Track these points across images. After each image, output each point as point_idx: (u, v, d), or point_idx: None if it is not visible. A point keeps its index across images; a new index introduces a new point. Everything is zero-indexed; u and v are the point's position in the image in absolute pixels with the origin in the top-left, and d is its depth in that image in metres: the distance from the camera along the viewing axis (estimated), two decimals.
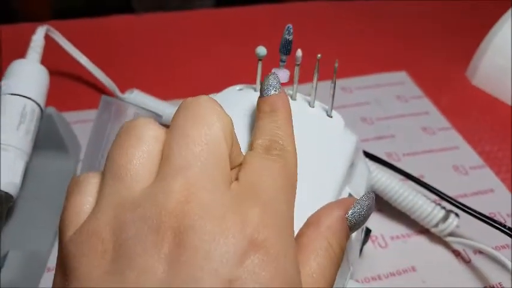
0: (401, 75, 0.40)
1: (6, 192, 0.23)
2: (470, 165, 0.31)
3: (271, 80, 0.17)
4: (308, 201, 0.16)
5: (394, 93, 0.38)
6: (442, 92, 0.38)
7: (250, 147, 0.15)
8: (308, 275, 0.13)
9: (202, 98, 0.13)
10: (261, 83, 0.17)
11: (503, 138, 0.34)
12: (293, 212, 0.14)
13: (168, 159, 0.12)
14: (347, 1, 0.50)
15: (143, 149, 0.12)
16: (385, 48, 0.44)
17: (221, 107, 0.13)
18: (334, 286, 0.18)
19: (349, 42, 0.44)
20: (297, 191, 0.15)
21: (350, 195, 0.19)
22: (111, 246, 0.11)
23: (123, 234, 0.11)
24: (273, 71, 0.21)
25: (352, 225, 0.15)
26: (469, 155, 0.32)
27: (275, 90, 0.16)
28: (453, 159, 0.32)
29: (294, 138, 0.16)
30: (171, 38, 0.44)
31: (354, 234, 0.19)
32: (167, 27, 0.45)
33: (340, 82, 0.38)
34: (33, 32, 0.31)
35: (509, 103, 0.38)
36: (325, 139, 0.19)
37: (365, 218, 0.15)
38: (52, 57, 0.31)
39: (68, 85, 0.37)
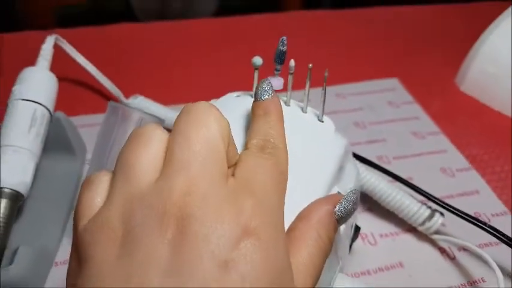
0: (393, 82, 0.41)
1: (17, 191, 0.24)
2: (457, 168, 0.33)
3: (265, 86, 0.18)
4: (299, 199, 0.17)
5: (386, 99, 0.39)
6: (432, 98, 0.40)
7: (245, 146, 0.16)
8: (299, 262, 0.14)
9: (202, 103, 0.15)
10: (256, 89, 0.19)
11: (490, 142, 0.36)
12: (283, 204, 0.15)
13: (171, 159, 0.13)
14: (342, 11, 0.52)
15: (150, 151, 0.14)
16: (377, 56, 0.45)
17: (219, 111, 0.15)
18: (324, 279, 0.19)
19: (343, 50, 0.46)
20: (289, 189, 0.16)
21: (339, 193, 0.21)
22: (121, 233, 0.12)
23: (132, 222, 0.12)
24: (268, 78, 0.22)
25: (340, 219, 0.16)
26: (456, 158, 0.34)
27: (268, 95, 0.18)
28: (441, 162, 0.33)
29: (285, 138, 0.17)
30: (173, 46, 0.45)
31: (342, 230, 0.20)
32: (169, 36, 0.47)
33: (334, 88, 0.40)
34: (41, 40, 0.33)
35: (496, 108, 0.39)
36: (317, 142, 0.21)
37: (351, 212, 0.17)
38: (60, 64, 0.33)
39: (75, 91, 0.38)
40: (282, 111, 0.18)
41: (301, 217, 0.16)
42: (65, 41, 0.34)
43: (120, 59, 0.43)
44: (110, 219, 0.13)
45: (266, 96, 0.18)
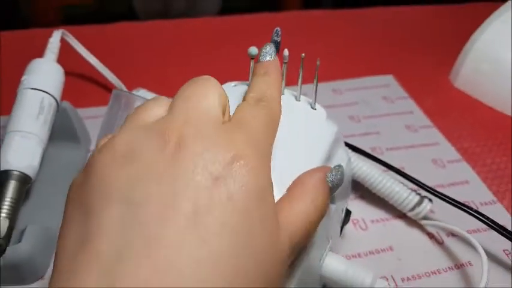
0: (388, 78, 0.43)
1: (26, 174, 0.26)
2: (448, 159, 0.34)
3: (268, 49, 0.20)
4: (290, 180, 0.18)
5: (381, 94, 0.40)
6: (426, 93, 0.41)
7: (243, 100, 0.18)
8: (294, 214, 0.15)
9: (204, 76, 0.16)
10: (259, 51, 0.20)
11: (482, 136, 0.37)
12: (271, 147, 0.16)
13: (171, 112, 0.15)
14: (340, 10, 0.54)
15: (156, 106, 0.16)
16: (373, 53, 0.47)
17: (218, 83, 0.16)
18: (314, 256, 0.20)
19: (341, 48, 0.47)
20: (280, 171, 0.18)
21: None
22: (124, 150, 0.14)
23: (135, 142, 0.14)
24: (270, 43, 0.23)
25: (330, 188, 0.18)
26: (447, 150, 0.35)
27: (270, 57, 0.19)
28: (432, 154, 0.34)
29: (280, 96, 0.18)
30: (174, 43, 0.47)
31: (333, 210, 0.22)
32: (170, 34, 0.49)
33: (331, 84, 0.41)
34: (47, 36, 0.34)
35: (489, 104, 0.40)
36: (308, 128, 0.22)
37: (339, 182, 0.18)
38: (66, 59, 0.34)
39: (80, 84, 0.40)
40: (280, 72, 0.19)
41: (296, 183, 0.17)
42: (71, 36, 0.36)
43: (122, 56, 0.44)
44: (115, 142, 0.14)
45: (268, 58, 0.19)
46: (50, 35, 0.34)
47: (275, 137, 0.17)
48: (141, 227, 0.12)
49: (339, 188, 0.18)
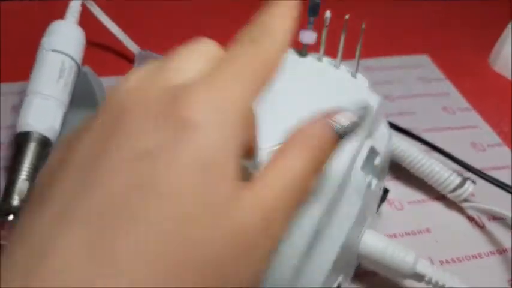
0: (424, 59, 0.40)
1: (46, 137, 0.25)
2: (488, 143, 0.32)
3: None
4: None
5: (416, 74, 0.38)
6: (464, 76, 0.39)
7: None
8: (288, 167, 0.12)
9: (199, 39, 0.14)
10: None
11: None
12: (249, 96, 0.12)
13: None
14: None
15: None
16: (409, 32, 0.44)
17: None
18: (352, 233, 0.19)
19: (376, 26, 0.45)
20: None
21: (371, 148, 0.20)
22: (109, 117, 0.12)
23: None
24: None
25: (342, 132, 0.13)
26: (487, 133, 0.33)
27: None
28: (471, 137, 0.32)
29: (288, 35, 0.13)
30: (202, 12, 0.45)
31: (373, 186, 0.20)
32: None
33: (364, 62, 0.39)
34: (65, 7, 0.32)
35: None
36: (349, 97, 0.20)
37: (353, 127, 0.14)
38: (87, 27, 0.33)
39: (100, 53, 0.38)
40: (297, 9, 0.14)
41: (295, 130, 0.13)
42: (91, 2, 0.34)
43: (145, 26, 0.43)
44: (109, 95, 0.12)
45: None
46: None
47: (263, 88, 0.12)
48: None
49: (350, 133, 0.14)
